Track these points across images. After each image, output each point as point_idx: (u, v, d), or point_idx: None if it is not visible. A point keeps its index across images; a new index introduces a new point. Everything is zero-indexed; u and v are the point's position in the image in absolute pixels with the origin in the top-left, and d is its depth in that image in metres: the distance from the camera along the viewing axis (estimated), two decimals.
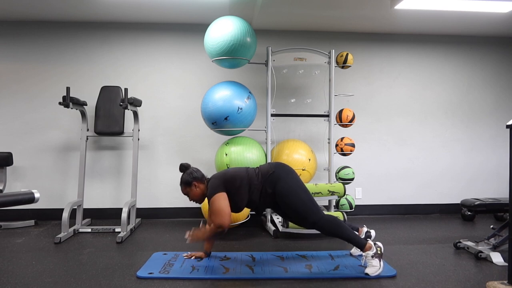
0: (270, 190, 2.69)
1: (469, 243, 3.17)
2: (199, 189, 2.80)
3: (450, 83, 4.75)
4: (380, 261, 2.59)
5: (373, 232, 3.04)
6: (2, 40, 4.33)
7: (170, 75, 4.48)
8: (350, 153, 4.03)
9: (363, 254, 2.62)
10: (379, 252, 2.61)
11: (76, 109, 3.91)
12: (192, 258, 2.92)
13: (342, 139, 4.03)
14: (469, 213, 4.30)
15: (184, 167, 2.84)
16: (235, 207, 2.76)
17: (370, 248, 2.60)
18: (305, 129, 4.56)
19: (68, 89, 3.64)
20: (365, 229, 3.03)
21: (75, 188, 4.23)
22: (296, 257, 2.97)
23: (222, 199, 2.63)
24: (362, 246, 2.62)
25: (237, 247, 3.31)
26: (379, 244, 2.65)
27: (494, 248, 2.97)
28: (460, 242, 3.23)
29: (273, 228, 3.70)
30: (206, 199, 2.83)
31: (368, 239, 2.75)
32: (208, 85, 4.42)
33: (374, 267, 2.57)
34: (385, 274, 2.58)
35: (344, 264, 2.80)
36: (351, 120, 4.02)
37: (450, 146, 4.75)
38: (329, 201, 3.94)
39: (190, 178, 2.78)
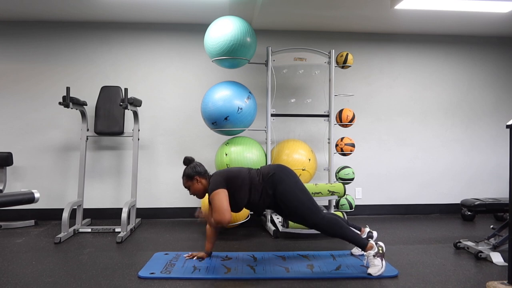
0: (271, 192, 2.69)
1: (469, 243, 3.17)
2: (200, 184, 2.80)
3: (450, 83, 4.76)
4: (382, 260, 2.59)
5: (375, 233, 3.04)
6: (2, 40, 4.33)
7: (170, 75, 4.48)
8: (350, 153, 4.03)
9: (365, 254, 2.62)
10: (381, 251, 2.61)
11: (76, 109, 3.90)
12: (193, 258, 2.92)
13: (342, 139, 4.03)
14: (469, 213, 4.30)
15: (188, 160, 2.85)
16: (236, 207, 2.75)
17: (371, 248, 2.60)
18: (305, 129, 4.56)
19: (68, 89, 3.64)
20: (367, 229, 3.03)
21: (75, 188, 4.23)
22: (298, 257, 2.97)
23: (222, 195, 2.60)
24: (363, 246, 2.62)
25: (237, 247, 3.31)
26: (381, 244, 2.65)
27: (494, 248, 2.97)
28: (460, 242, 3.23)
29: (273, 228, 3.70)
30: (206, 195, 2.82)
31: (369, 239, 2.75)
32: (208, 85, 4.42)
33: (376, 267, 2.57)
34: (387, 274, 2.58)
35: (346, 264, 2.80)
36: (351, 120, 4.02)
37: (450, 146, 4.75)
38: (329, 201, 3.94)
39: (192, 172, 2.78)
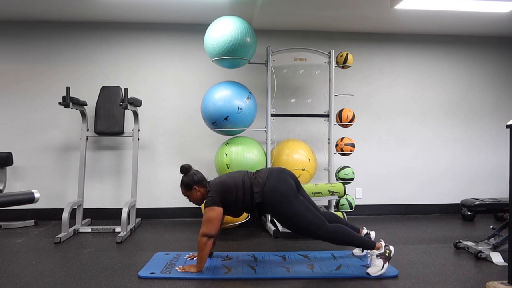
0: (263, 213, 2.75)
1: (469, 243, 3.17)
2: (199, 193, 2.79)
3: (450, 83, 4.76)
4: (384, 263, 2.57)
5: (372, 234, 3.03)
6: (2, 40, 4.33)
7: (170, 75, 4.47)
8: (350, 153, 4.03)
9: (370, 252, 2.62)
10: (386, 254, 2.59)
11: (76, 109, 3.90)
12: (194, 259, 2.92)
13: (342, 139, 4.03)
14: (469, 213, 4.30)
15: (185, 169, 2.81)
16: (234, 215, 2.81)
17: (379, 248, 2.59)
18: (305, 129, 4.56)
19: (68, 89, 3.64)
20: (364, 231, 3.01)
21: (75, 188, 4.22)
22: (298, 257, 2.97)
23: (215, 213, 2.64)
24: (371, 247, 2.61)
25: (238, 247, 3.31)
26: (391, 247, 2.63)
27: (494, 248, 2.97)
28: (460, 242, 3.23)
29: (273, 228, 3.70)
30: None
31: (381, 240, 2.73)
32: (208, 85, 4.42)
33: (376, 267, 2.57)
34: (387, 274, 2.58)
35: (346, 264, 2.80)
36: (351, 120, 4.02)
37: (450, 146, 4.75)
38: (329, 201, 3.94)
39: (190, 182, 2.76)
